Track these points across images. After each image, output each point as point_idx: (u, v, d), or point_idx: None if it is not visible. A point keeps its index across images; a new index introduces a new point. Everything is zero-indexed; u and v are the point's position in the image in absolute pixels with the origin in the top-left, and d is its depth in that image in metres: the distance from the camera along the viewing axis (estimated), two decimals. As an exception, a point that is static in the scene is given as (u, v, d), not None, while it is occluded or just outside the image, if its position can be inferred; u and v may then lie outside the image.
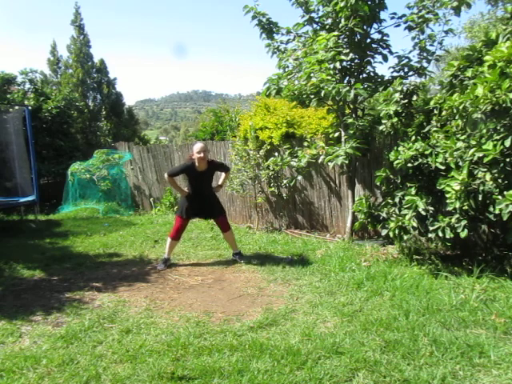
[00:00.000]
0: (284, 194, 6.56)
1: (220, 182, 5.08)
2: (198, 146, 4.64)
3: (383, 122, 4.65)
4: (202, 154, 4.58)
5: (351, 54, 5.06)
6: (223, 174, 5.07)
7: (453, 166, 3.81)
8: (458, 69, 4.23)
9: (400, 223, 4.15)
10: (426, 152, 4.10)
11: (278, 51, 5.57)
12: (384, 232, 4.36)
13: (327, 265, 4.52)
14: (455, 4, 4.65)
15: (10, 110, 8.95)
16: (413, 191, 4.17)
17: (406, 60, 5.18)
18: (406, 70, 5.19)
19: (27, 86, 10.39)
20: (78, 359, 2.73)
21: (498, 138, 3.50)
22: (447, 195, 3.77)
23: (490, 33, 4.21)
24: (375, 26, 5.20)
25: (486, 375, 2.42)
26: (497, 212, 3.52)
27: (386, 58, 5.25)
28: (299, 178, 6.25)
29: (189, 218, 4.92)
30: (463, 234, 3.80)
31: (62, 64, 13.73)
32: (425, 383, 2.35)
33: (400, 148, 4.31)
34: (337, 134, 5.57)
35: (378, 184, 4.70)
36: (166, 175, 4.87)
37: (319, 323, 3.17)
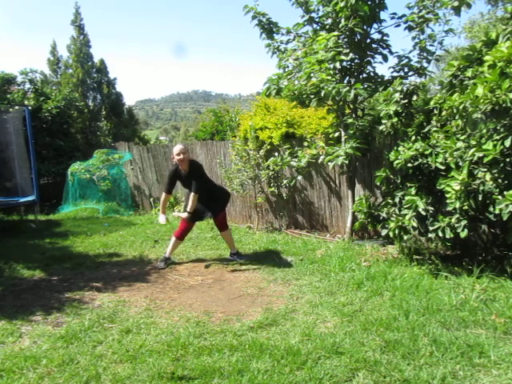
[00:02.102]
0: (284, 194, 6.56)
1: (183, 210, 4.85)
2: (177, 148, 4.66)
3: (383, 122, 4.64)
4: (180, 156, 4.61)
5: (351, 54, 5.06)
6: (191, 194, 4.60)
7: (453, 165, 3.81)
8: (458, 69, 4.23)
9: (400, 223, 4.15)
10: (426, 152, 4.10)
11: (278, 51, 5.57)
12: (384, 232, 4.36)
13: (327, 265, 4.52)
14: (455, 4, 4.65)
15: (10, 109, 8.95)
16: (413, 191, 4.17)
17: (406, 60, 5.18)
18: (406, 70, 5.19)
19: (27, 86, 10.40)
20: (78, 359, 2.73)
21: (497, 137, 3.50)
22: (447, 195, 3.77)
23: (490, 33, 4.21)
24: (375, 25, 5.19)
25: (486, 375, 2.42)
26: (497, 212, 3.52)
27: (385, 58, 5.25)
28: (299, 177, 6.25)
29: (195, 221, 4.95)
30: (463, 234, 3.79)
31: (62, 64, 13.73)
32: (425, 383, 2.35)
33: (400, 148, 4.31)
34: (337, 134, 5.57)
35: (378, 184, 4.69)
36: (163, 195, 4.95)
37: (319, 323, 3.17)
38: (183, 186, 5.04)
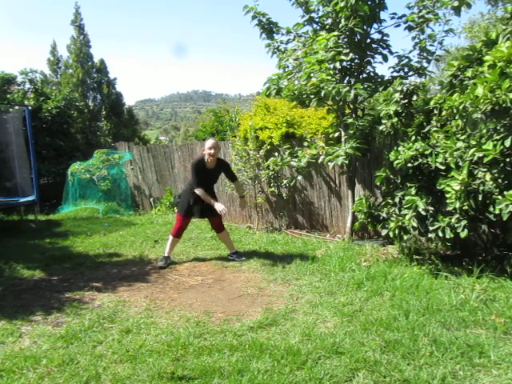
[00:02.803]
0: (284, 194, 6.56)
1: (240, 193, 5.10)
2: (210, 142, 4.68)
3: (383, 122, 4.64)
4: (212, 151, 4.61)
5: (351, 54, 5.06)
6: (234, 184, 5.22)
7: (453, 166, 3.81)
8: (458, 69, 4.23)
9: (400, 223, 4.15)
10: (426, 152, 4.10)
11: (278, 51, 5.57)
12: (384, 232, 4.36)
13: (327, 265, 4.52)
14: (455, 4, 4.65)
15: (10, 109, 8.96)
16: (413, 191, 4.17)
17: (406, 60, 5.17)
18: (406, 70, 5.18)
19: (27, 86, 10.41)
20: (78, 359, 2.73)
21: (498, 138, 3.50)
22: (447, 195, 3.77)
23: (490, 33, 4.21)
24: (375, 25, 5.20)
25: (486, 375, 2.42)
26: (497, 212, 3.52)
27: (386, 58, 5.25)
28: (299, 177, 6.25)
29: (190, 217, 4.93)
30: (463, 234, 3.79)
31: (62, 64, 13.73)
32: (425, 383, 2.35)
33: (400, 148, 4.31)
34: (337, 134, 5.57)
35: (378, 184, 4.69)
36: (196, 191, 4.64)
37: (319, 323, 3.17)
38: (201, 178, 4.69)
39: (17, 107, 8.92)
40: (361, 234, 5.75)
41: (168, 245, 4.94)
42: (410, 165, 4.18)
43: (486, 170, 3.58)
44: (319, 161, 5.66)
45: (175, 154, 8.61)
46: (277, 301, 3.69)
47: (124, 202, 9.13)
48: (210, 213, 4.95)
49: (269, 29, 5.63)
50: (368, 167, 5.59)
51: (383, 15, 5.14)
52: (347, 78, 5.37)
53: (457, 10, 4.72)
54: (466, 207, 3.69)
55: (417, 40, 5.03)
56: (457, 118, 3.88)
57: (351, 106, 5.39)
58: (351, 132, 5.13)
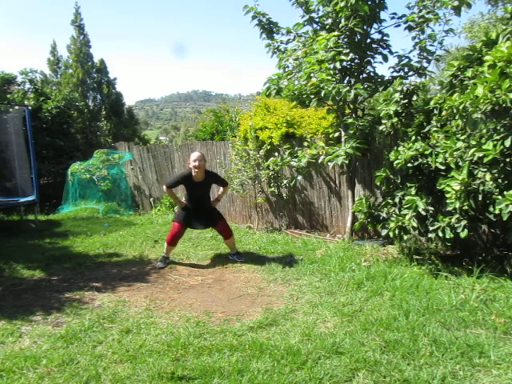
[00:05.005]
0: (284, 194, 6.56)
1: (217, 196, 5.13)
2: (195, 154, 4.67)
3: (383, 121, 4.65)
4: (196, 163, 4.62)
5: (351, 54, 5.06)
6: (221, 188, 5.10)
7: (453, 166, 3.81)
8: (458, 69, 4.23)
9: (400, 223, 4.15)
10: (426, 152, 4.10)
11: (278, 51, 5.57)
12: (384, 232, 4.36)
13: (327, 265, 4.52)
14: (455, 4, 4.65)
15: (10, 109, 8.95)
16: (413, 191, 4.17)
17: (406, 60, 5.17)
18: (406, 69, 5.18)
19: (27, 86, 10.41)
20: (78, 359, 2.73)
21: (498, 138, 3.50)
22: (447, 195, 3.77)
23: (489, 33, 4.21)
24: (375, 26, 5.20)
25: (485, 375, 2.42)
26: (497, 212, 3.52)
27: (386, 58, 5.25)
28: (299, 177, 6.24)
29: (186, 226, 4.94)
30: (463, 234, 3.79)
31: (62, 64, 13.73)
32: (425, 383, 2.36)
33: (400, 148, 4.31)
34: (337, 134, 5.57)
35: (378, 184, 4.69)
36: (164, 187, 4.94)
37: (319, 323, 3.17)
38: (191, 192, 4.83)
39: (17, 107, 8.91)
40: (361, 234, 5.74)
41: (165, 248, 4.95)
42: (410, 165, 4.18)
43: (485, 170, 3.59)
44: (319, 161, 5.66)
45: (175, 154, 8.61)
46: (277, 301, 3.69)
47: (124, 202, 9.13)
48: (211, 221, 4.97)
49: (269, 29, 5.63)
50: (368, 167, 5.59)
51: (383, 15, 5.16)
52: (347, 78, 5.37)
53: (457, 10, 4.72)
54: (466, 207, 3.69)
55: (417, 40, 5.03)
56: (457, 117, 3.88)
57: (351, 106, 5.39)
58: (351, 132, 5.13)
